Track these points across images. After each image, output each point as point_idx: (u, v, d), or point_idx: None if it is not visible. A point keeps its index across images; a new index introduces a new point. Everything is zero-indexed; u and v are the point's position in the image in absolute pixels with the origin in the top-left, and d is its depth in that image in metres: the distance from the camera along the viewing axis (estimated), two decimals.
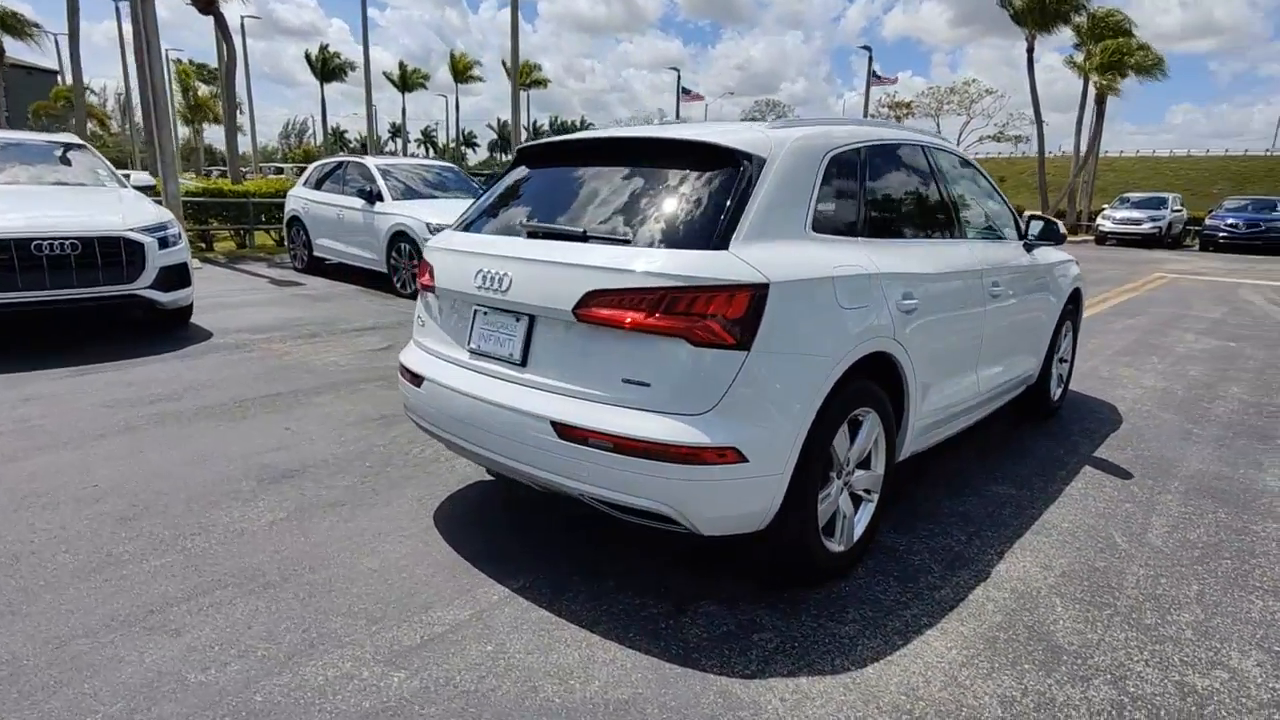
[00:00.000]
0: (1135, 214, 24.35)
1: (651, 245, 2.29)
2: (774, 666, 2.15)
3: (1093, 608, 2.51)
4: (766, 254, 2.26)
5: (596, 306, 2.22)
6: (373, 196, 9.09)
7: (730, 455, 2.13)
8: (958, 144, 37.38)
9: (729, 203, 2.31)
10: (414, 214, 8.47)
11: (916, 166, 3.30)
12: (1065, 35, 28.58)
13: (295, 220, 10.64)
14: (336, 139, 78.66)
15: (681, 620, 2.38)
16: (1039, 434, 4.39)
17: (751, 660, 2.18)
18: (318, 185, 10.46)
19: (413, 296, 8.29)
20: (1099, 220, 25.43)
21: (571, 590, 2.53)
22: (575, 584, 2.57)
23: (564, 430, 2.24)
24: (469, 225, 2.93)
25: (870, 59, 35.21)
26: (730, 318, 2.12)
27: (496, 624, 2.33)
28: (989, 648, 2.27)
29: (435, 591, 2.50)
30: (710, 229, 2.26)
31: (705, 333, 2.12)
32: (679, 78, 42.36)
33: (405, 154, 56.79)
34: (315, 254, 10.33)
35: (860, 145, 2.85)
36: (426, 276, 2.87)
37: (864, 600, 2.51)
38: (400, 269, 8.63)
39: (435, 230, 8.00)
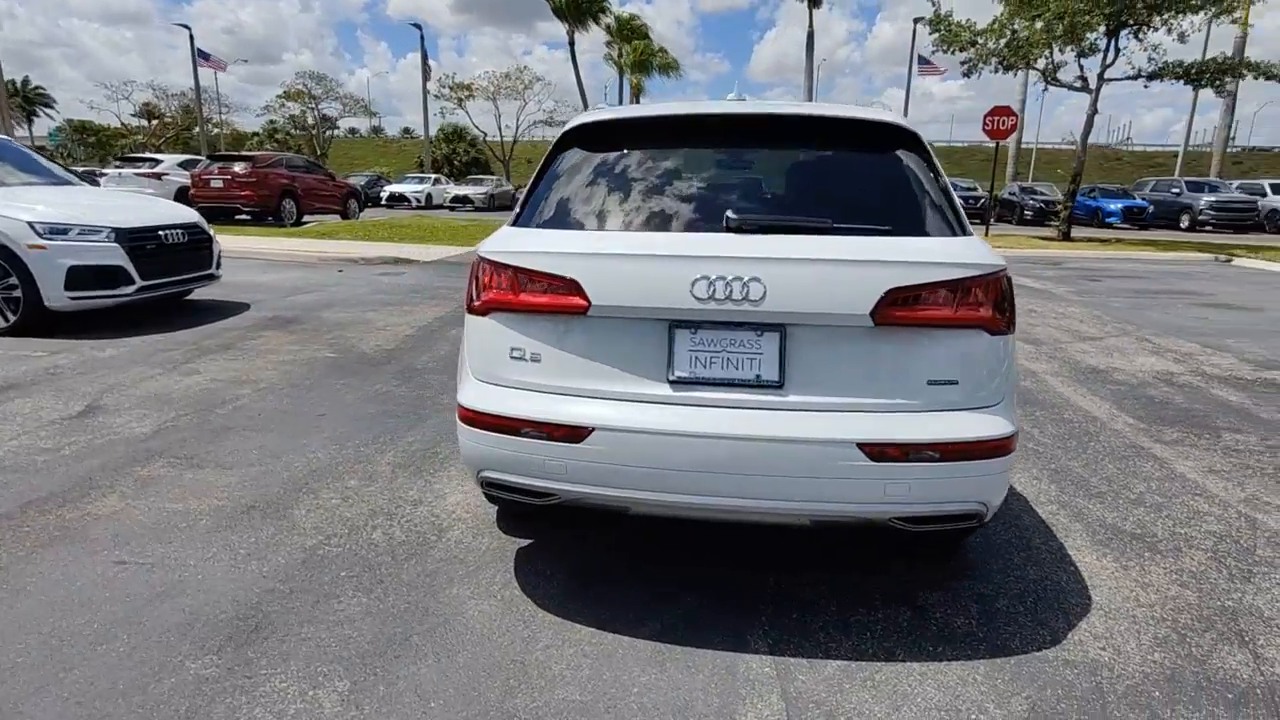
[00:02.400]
0: None
1: (911, 234, 2.15)
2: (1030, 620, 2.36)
3: None
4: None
5: (896, 306, 2.02)
6: None
7: (1015, 439, 2.19)
8: (516, 129, 39.42)
9: (939, 186, 2.29)
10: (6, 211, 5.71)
11: None
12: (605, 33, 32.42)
13: None
14: None
15: (929, 618, 2.38)
16: None
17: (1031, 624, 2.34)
18: None
19: (14, 331, 5.71)
20: None
21: (823, 620, 2.31)
22: (823, 611, 2.34)
23: (878, 450, 2.00)
24: (562, 224, 2.29)
25: (423, 36, 34.74)
26: (1001, 303, 2.15)
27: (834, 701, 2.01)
28: None
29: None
30: (945, 214, 2.23)
31: (996, 320, 2.11)
32: (192, 38, 35.39)
33: None
34: None
35: None
36: (555, 295, 2.14)
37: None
38: None
39: (56, 230, 5.62)
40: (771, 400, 2.06)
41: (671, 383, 2.10)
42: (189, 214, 7.00)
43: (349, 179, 25.41)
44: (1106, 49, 16.02)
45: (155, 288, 6.27)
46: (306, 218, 18.36)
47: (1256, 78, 15.42)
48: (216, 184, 16.70)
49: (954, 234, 2.19)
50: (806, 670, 2.09)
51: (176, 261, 6.53)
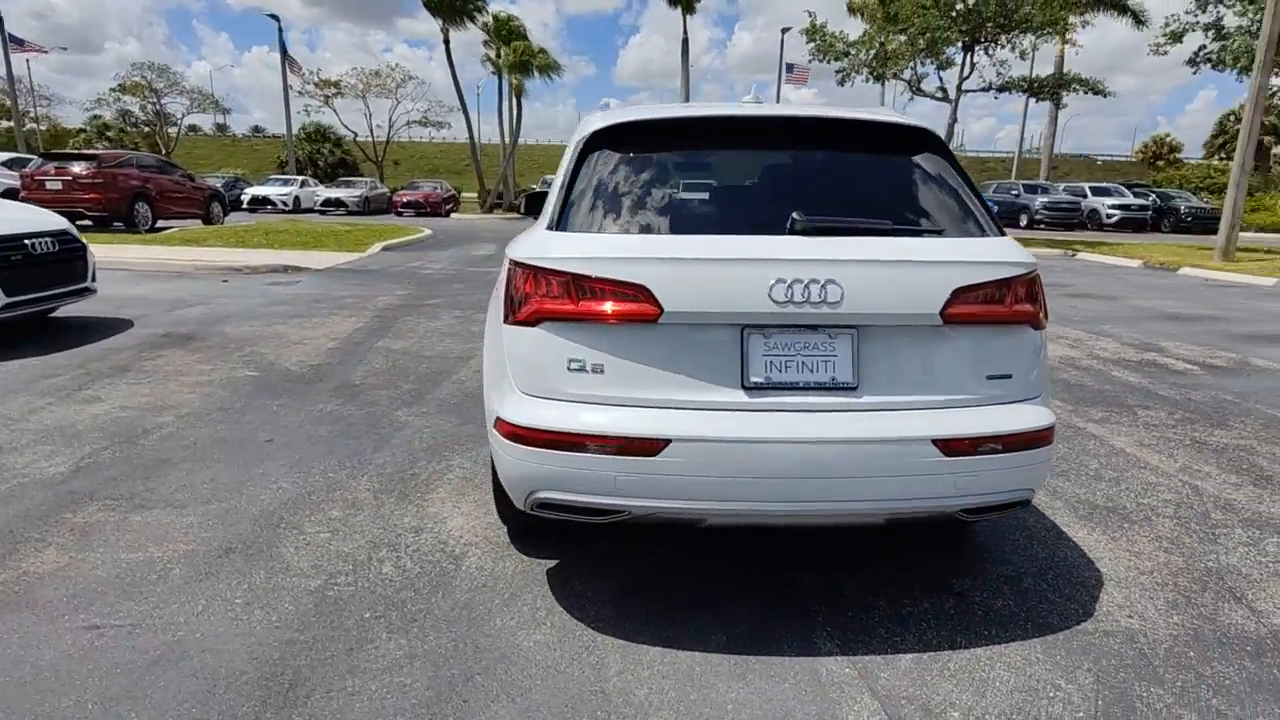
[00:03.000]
0: None
1: (963, 235, 2.22)
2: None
3: None
4: None
5: (962, 304, 2.08)
6: None
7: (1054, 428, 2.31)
8: (389, 129, 37.71)
9: (970, 188, 2.38)
10: None
11: None
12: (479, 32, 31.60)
13: None
14: None
15: (972, 603, 2.48)
16: None
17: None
18: None
19: None
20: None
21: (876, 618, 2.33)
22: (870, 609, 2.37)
23: (951, 445, 2.04)
24: (612, 228, 2.19)
25: (282, 29, 32.52)
26: (1040, 298, 2.27)
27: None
28: None
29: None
30: (983, 215, 2.31)
31: (1038, 316, 2.22)
32: (0, 21, 31.09)
33: None
34: None
35: None
36: (622, 303, 2.03)
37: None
38: None
39: None
40: (847, 402, 2.06)
41: (747, 389, 2.05)
42: (58, 221, 6.15)
43: (209, 180, 23.33)
44: (963, 63, 17.49)
45: (24, 304, 5.46)
46: (162, 223, 16.66)
47: (1085, 92, 17.38)
48: (54, 185, 14.78)
49: (996, 234, 2.28)
50: (884, 667, 2.11)
51: (47, 274, 5.71)
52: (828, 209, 2.24)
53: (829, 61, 18.15)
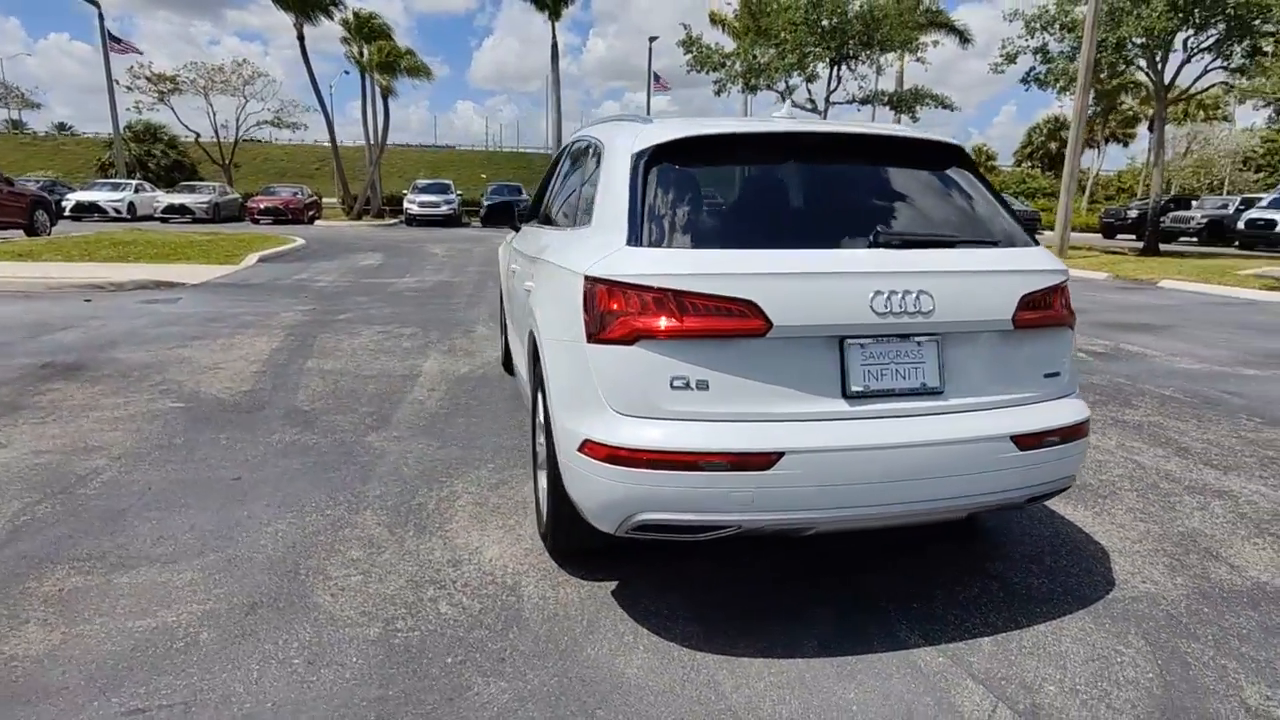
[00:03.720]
0: (432, 198, 28.36)
1: (1011, 245, 2.39)
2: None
3: None
4: None
5: (1028, 310, 2.25)
6: None
7: None
8: (237, 129, 34.83)
9: (1000, 199, 2.57)
10: None
11: None
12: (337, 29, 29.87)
13: None
14: None
15: (1013, 585, 2.68)
16: None
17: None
18: None
19: None
20: (406, 204, 28.47)
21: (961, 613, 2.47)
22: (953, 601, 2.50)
23: (1025, 440, 2.21)
24: (697, 242, 2.19)
25: (102, 16, 29.16)
26: (1070, 301, 2.49)
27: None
28: None
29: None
30: (1017, 225, 2.50)
31: (1073, 317, 2.44)
32: (102, 17, 25.75)
33: None
34: None
35: None
36: (728, 318, 2.03)
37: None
38: None
39: None
40: (935, 405, 2.18)
41: (848, 397, 2.12)
42: None
43: (29, 184, 20.52)
44: (830, 77, 18.67)
45: None
46: None
47: (935, 106, 19.09)
48: None
49: (1035, 244, 2.49)
50: (969, 652, 2.24)
51: None
52: (892, 222, 2.35)
53: (706, 72, 18.80)
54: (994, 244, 2.39)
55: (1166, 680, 2.12)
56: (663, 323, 2.05)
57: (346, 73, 31.29)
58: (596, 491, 2.15)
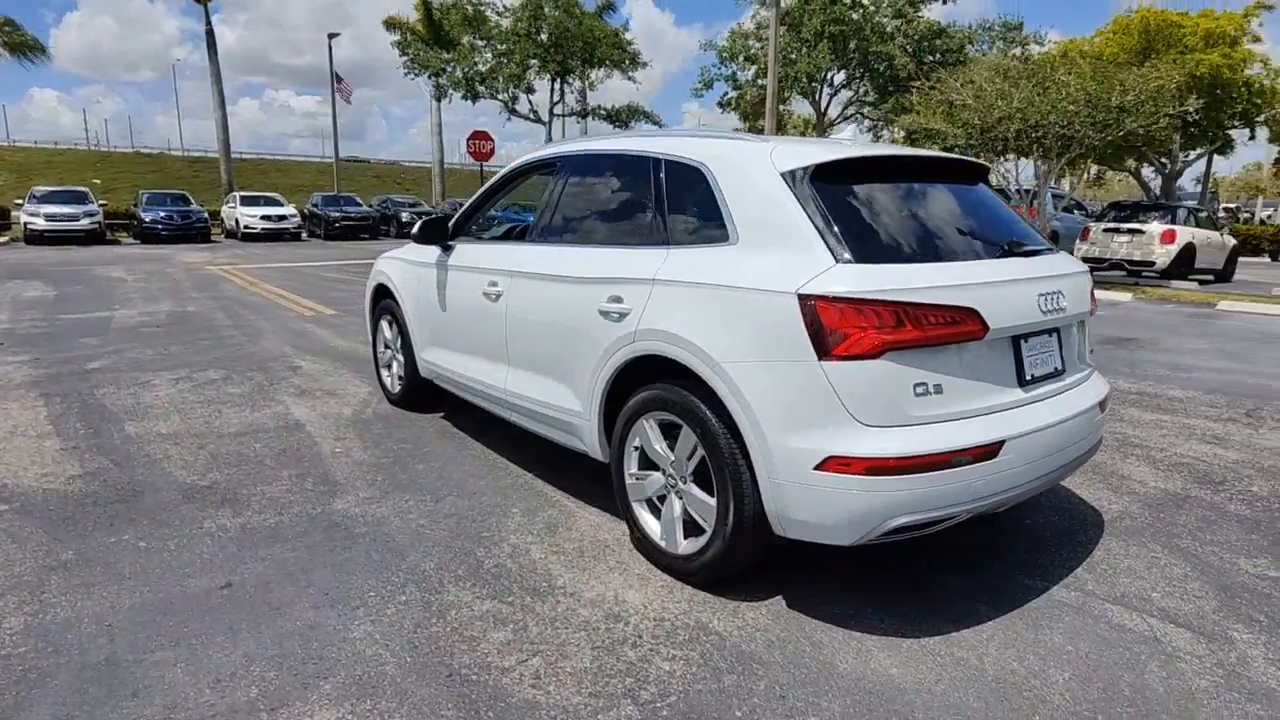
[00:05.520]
0: (67, 209, 22.67)
1: (1054, 249, 2.93)
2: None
3: None
4: None
5: (1092, 302, 2.80)
6: None
7: None
8: None
9: None
10: None
11: None
12: None
13: None
14: None
15: (1075, 537, 3.29)
16: None
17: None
18: None
19: None
20: (25, 219, 22.33)
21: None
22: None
23: (1102, 405, 2.77)
24: (904, 255, 2.36)
25: None
26: None
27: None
28: None
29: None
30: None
31: None
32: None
33: None
34: None
35: None
36: (957, 326, 2.23)
37: None
38: None
39: None
40: (1062, 385, 2.63)
41: (1023, 385, 2.46)
42: None
43: None
44: (551, 91, 19.25)
45: None
46: None
47: (647, 122, 20.82)
48: None
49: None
50: (1110, 590, 2.70)
51: None
52: (1005, 232, 2.74)
53: (430, 76, 18.03)
54: (1052, 250, 2.93)
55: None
56: (906, 334, 2.17)
57: None
58: (845, 505, 2.19)
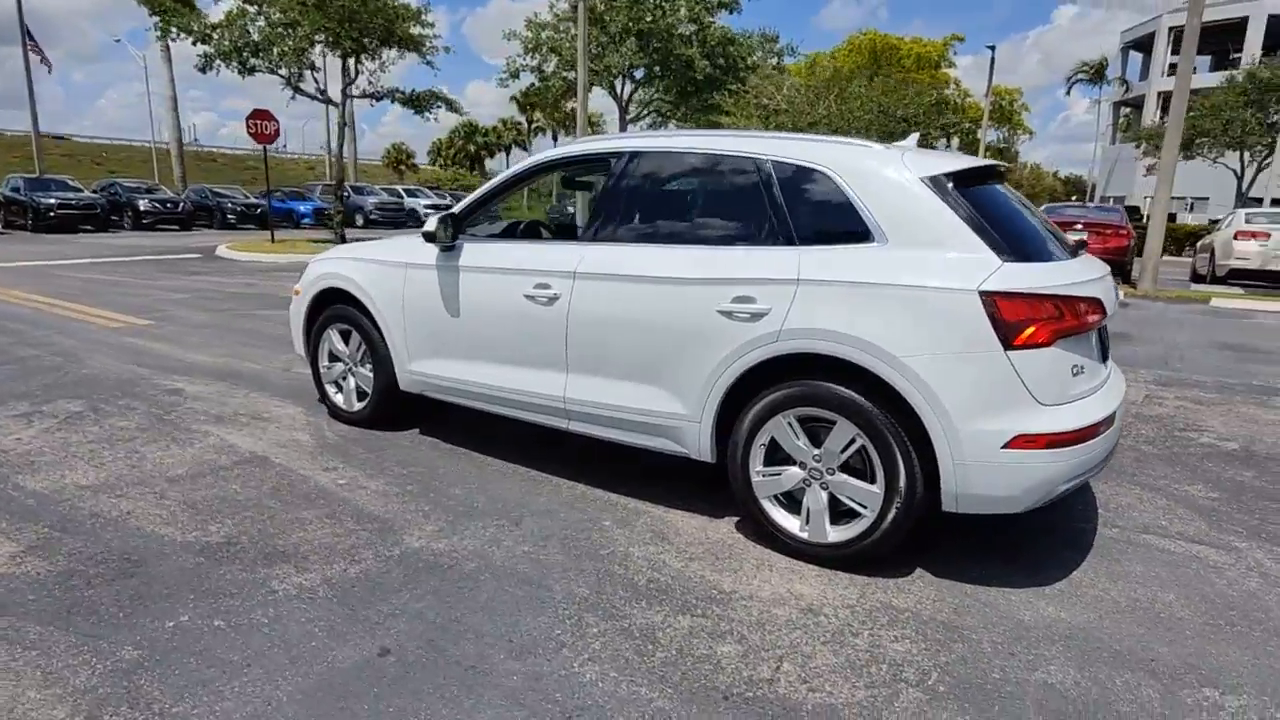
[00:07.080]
0: None
1: None
2: None
3: None
4: None
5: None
6: None
7: None
8: None
9: None
10: None
11: None
12: None
13: None
14: None
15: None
16: None
17: None
18: None
19: None
20: None
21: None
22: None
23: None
24: (1038, 255, 2.69)
25: None
26: None
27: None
28: None
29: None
30: None
31: None
32: None
33: None
34: None
35: None
36: (1096, 314, 2.63)
37: None
38: None
39: None
40: (1109, 370, 3.13)
41: (1104, 364, 2.92)
42: None
43: None
44: (344, 69, 17.52)
45: None
46: None
47: (445, 108, 19.79)
48: None
49: None
50: (1133, 531, 3.32)
51: None
52: (1058, 234, 3.18)
53: (195, 43, 15.42)
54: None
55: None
56: (1067, 323, 2.50)
57: None
58: (1028, 477, 2.48)
